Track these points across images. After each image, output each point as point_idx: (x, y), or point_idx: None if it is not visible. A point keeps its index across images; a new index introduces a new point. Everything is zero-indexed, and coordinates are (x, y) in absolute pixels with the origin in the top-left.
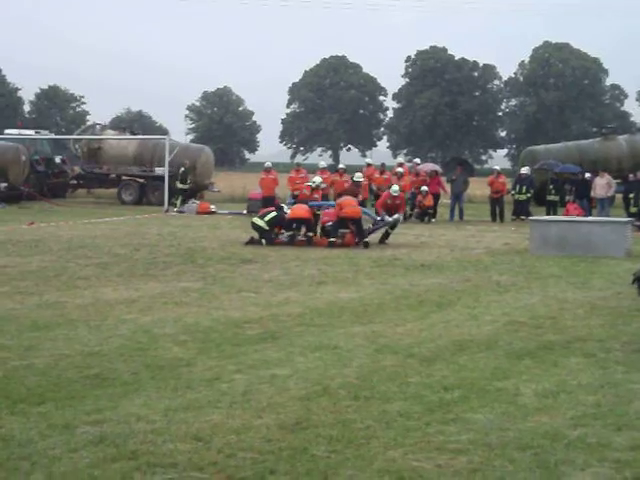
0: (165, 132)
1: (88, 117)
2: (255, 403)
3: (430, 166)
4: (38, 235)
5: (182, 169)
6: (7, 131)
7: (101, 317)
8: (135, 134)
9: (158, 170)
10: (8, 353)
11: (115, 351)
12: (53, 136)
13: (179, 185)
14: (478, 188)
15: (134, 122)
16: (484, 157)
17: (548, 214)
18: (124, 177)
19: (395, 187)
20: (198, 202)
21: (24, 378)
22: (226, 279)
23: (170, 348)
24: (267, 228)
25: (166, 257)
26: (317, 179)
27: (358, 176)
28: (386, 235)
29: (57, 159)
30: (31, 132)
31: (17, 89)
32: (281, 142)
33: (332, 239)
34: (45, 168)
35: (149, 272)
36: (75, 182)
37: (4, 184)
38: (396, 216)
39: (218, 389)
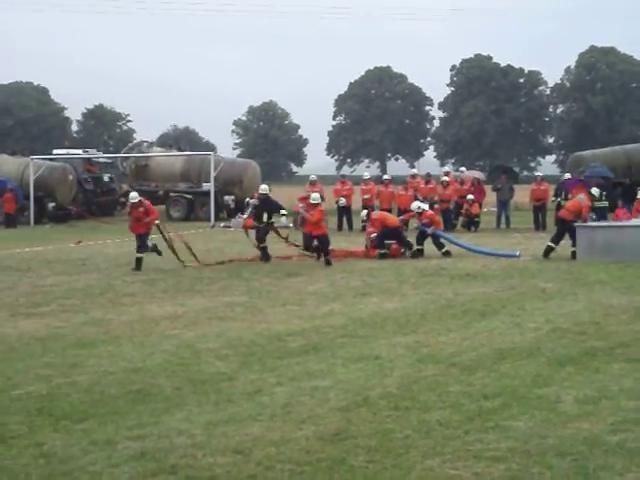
0: (212, 148)
1: (135, 135)
2: (295, 415)
3: (475, 174)
4: (85, 253)
5: None
6: (55, 151)
7: (145, 333)
8: (182, 150)
9: (206, 186)
10: (52, 371)
11: (158, 367)
12: (102, 155)
13: None
14: (525, 195)
15: (181, 139)
16: (532, 164)
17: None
18: (172, 193)
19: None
20: (244, 217)
21: (67, 395)
22: (271, 293)
23: (212, 363)
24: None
25: (212, 272)
26: (414, 205)
27: (314, 197)
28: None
29: (105, 177)
30: (79, 151)
31: (63, 108)
32: (328, 154)
33: (382, 251)
34: (94, 186)
35: (194, 287)
36: (123, 200)
37: (52, 204)
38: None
39: (259, 402)
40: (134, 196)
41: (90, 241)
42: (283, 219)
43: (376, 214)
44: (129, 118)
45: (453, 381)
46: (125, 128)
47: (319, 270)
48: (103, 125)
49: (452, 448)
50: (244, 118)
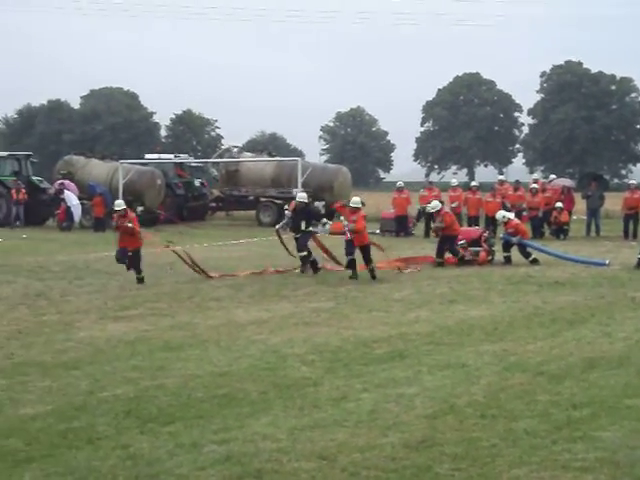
0: (299, 154)
1: (223, 140)
2: (381, 422)
3: (565, 181)
4: (173, 258)
5: None
6: (147, 155)
7: (232, 338)
8: (272, 156)
9: (295, 191)
10: (140, 374)
11: (244, 371)
12: (192, 159)
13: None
14: (616, 203)
15: (268, 144)
16: (623, 172)
17: None
18: (262, 199)
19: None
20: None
21: (155, 398)
22: (357, 298)
23: (298, 368)
24: None
25: (298, 277)
26: (499, 214)
27: (355, 201)
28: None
29: (196, 182)
30: (170, 156)
31: (152, 113)
32: (415, 161)
33: (439, 260)
34: (184, 191)
35: (280, 293)
36: (214, 204)
37: (140, 208)
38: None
39: (344, 408)
40: (119, 203)
41: (177, 246)
42: (327, 227)
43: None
44: (217, 124)
45: (541, 390)
46: (213, 134)
47: (405, 277)
48: (191, 131)
49: (539, 458)
50: (331, 124)
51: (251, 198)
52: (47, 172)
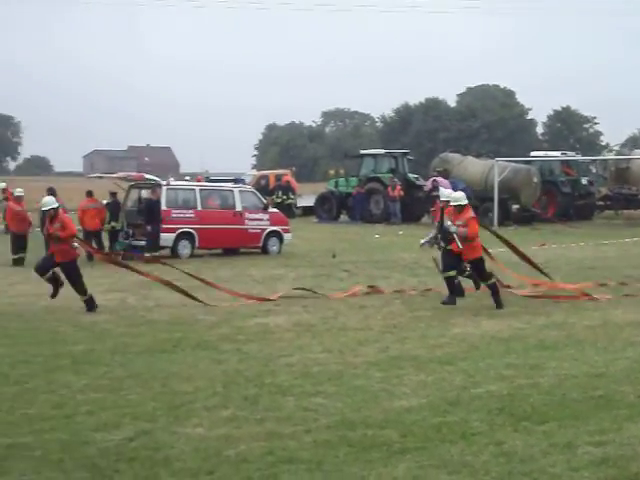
0: None
1: (601, 138)
2: None
3: None
4: (548, 256)
5: None
6: (532, 153)
7: (609, 338)
8: None
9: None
10: (514, 371)
11: (621, 373)
12: (579, 157)
13: None
14: None
15: None
16: None
17: None
18: None
19: None
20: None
21: (528, 396)
22: None
23: None
24: None
25: None
26: None
27: (456, 198)
28: None
29: (583, 180)
30: (557, 154)
31: (528, 110)
32: None
33: None
34: (571, 190)
35: None
36: (602, 203)
37: (515, 206)
38: None
39: None
40: (46, 202)
41: (553, 244)
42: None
43: None
44: (596, 121)
45: None
46: (591, 131)
47: None
48: (568, 128)
49: None
50: None
51: None
52: (423, 170)
